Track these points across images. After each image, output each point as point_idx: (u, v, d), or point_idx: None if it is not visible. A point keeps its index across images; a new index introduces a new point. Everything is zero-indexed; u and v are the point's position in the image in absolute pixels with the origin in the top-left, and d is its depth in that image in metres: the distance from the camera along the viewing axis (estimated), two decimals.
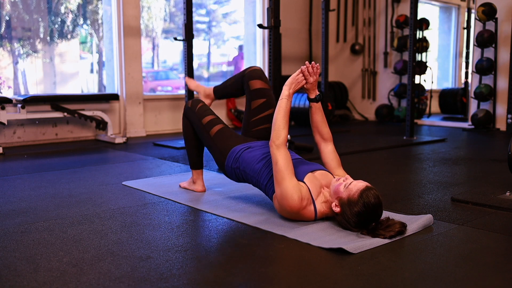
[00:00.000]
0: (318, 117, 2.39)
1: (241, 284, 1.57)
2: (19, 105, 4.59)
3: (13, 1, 5.35)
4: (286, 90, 2.26)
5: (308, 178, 2.15)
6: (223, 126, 2.59)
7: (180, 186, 2.93)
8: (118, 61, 5.50)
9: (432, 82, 7.64)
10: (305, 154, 4.11)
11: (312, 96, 2.36)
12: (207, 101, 2.94)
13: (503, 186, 2.90)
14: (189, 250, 1.87)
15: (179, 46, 8.21)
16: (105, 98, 5.32)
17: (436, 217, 2.30)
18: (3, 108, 4.45)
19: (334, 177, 2.22)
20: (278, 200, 2.13)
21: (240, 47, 9.07)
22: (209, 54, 9.63)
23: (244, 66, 8.99)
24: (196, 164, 2.79)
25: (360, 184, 2.02)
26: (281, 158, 2.12)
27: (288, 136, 3.96)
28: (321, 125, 2.39)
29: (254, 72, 2.66)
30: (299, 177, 2.16)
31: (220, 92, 2.91)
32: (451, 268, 1.70)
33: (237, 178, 2.48)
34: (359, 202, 1.97)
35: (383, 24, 7.40)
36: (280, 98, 2.25)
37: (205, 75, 9.67)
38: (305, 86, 2.33)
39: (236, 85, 2.77)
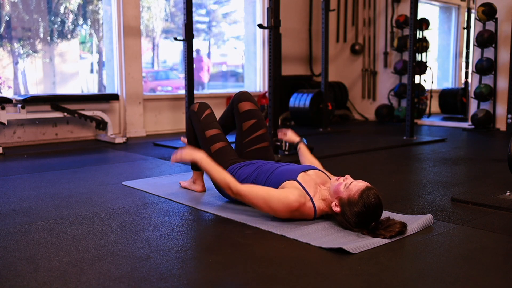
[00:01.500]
0: (309, 157, 2.62)
1: (241, 284, 1.57)
2: (19, 105, 4.59)
3: (13, 1, 5.35)
4: (194, 157, 2.32)
5: (301, 177, 2.19)
6: (225, 144, 2.58)
7: (180, 185, 2.93)
8: (118, 61, 5.50)
9: (432, 82, 7.63)
10: None
11: (297, 141, 2.59)
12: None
13: (503, 186, 2.90)
14: (189, 250, 1.87)
15: (179, 46, 8.21)
16: (105, 98, 5.32)
17: (436, 217, 2.30)
18: (3, 108, 4.45)
19: (330, 178, 2.24)
20: (280, 203, 2.13)
21: (197, 51, 8.96)
22: (209, 54, 9.63)
23: (205, 68, 9.00)
24: (196, 165, 2.79)
25: (360, 184, 2.03)
26: (248, 193, 2.16)
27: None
28: (313, 160, 2.59)
29: (242, 95, 2.69)
30: (292, 176, 2.19)
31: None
32: (451, 268, 1.70)
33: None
34: (360, 202, 1.97)
35: (383, 24, 7.40)
36: (199, 164, 2.29)
37: None
38: (284, 139, 2.61)
39: (226, 118, 2.74)
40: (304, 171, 2.24)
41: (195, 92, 4.91)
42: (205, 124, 2.61)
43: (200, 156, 2.31)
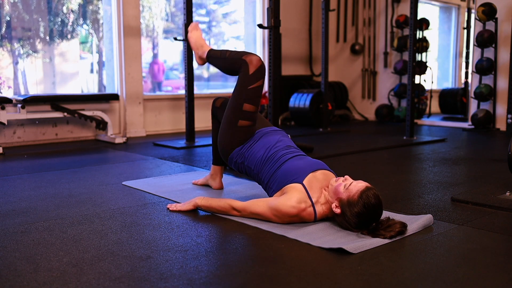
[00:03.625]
0: None
1: (241, 284, 1.57)
2: (19, 105, 4.59)
3: (13, 1, 5.35)
4: (193, 205, 2.40)
5: (308, 180, 2.15)
6: (251, 124, 2.44)
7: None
8: (118, 61, 5.50)
9: (432, 82, 7.64)
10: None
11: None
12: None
13: (503, 186, 2.90)
14: (189, 250, 1.87)
15: (179, 46, 8.21)
16: (105, 98, 5.32)
17: (436, 217, 2.30)
18: (3, 108, 4.45)
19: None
20: (279, 210, 2.14)
21: (155, 55, 8.87)
22: None
23: (160, 69, 8.97)
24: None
25: (360, 185, 2.02)
26: (249, 207, 2.21)
27: (288, 135, 3.99)
28: None
29: (214, 99, 2.71)
30: (299, 178, 2.15)
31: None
32: (451, 268, 1.70)
33: (240, 170, 2.49)
34: (359, 202, 1.97)
35: (383, 24, 7.40)
36: (200, 208, 2.37)
37: (205, 75, 9.67)
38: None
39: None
40: (314, 171, 2.19)
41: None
42: (249, 96, 2.38)
43: (196, 201, 2.37)
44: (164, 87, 10.20)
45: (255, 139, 2.44)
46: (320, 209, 2.13)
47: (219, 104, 2.68)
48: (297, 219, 2.13)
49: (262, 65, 2.41)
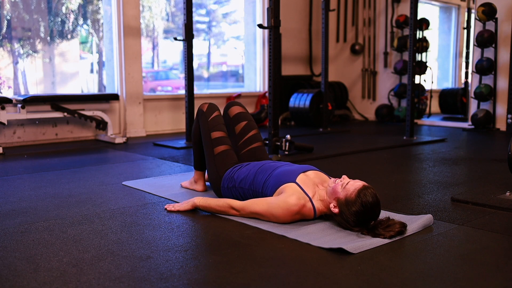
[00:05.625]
0: None
1: (241, 284, 1.57)
2: (19, 105, 4.59)
3: (13, 1, 5.35)
4: (191, 205, 2.40)
5: (300, 178, 2.20)
6: (228, 148, 2.61)
7: (181, 185, 2.94)
8: (118, 61, 5.50)
9: (432, 82, 7.64)
10: (305, 155, 4.11)
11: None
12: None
13: (503, 186, 2.90)
14: (189, 250, 1.87)
15: (179, 46, 8.21)
16: (105, 98, 5.32)
17: (436, 217, 2.30)
18: (3, 108, 4.45)
19: (330, 178, 2.26)
20: (280, 208, 2.14)
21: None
22: (209, 54, 9.63)
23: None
24: (198, 165, 2.82)
25: (358, 184, 2.03)
26: (249, 206, 2.22)
27: (288, 136, 3.99)
28: None
29: (230, 103, 2.82)
30: (291, 178, 2.20)
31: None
32: (451, 268, 1.70)
33: (234, 196, 2.49)
34: (357, 201, 1.98)
35: (383, 24, 7.40)
36: (198, 207, 2.37)
37: (205, 75, 9.67)
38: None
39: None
40: (304, 171, 2.25)
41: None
42: (212, 125, 2.65)
43: (195, 201, 2.37)
44: (165, 87, 10.21)
45: (242, 165, 2.51)
46: (318, 204, 2.15)
47: (205, 109, 2.72)
48: (298, 216, 2.14)
49: (211, 103, 2.75)
